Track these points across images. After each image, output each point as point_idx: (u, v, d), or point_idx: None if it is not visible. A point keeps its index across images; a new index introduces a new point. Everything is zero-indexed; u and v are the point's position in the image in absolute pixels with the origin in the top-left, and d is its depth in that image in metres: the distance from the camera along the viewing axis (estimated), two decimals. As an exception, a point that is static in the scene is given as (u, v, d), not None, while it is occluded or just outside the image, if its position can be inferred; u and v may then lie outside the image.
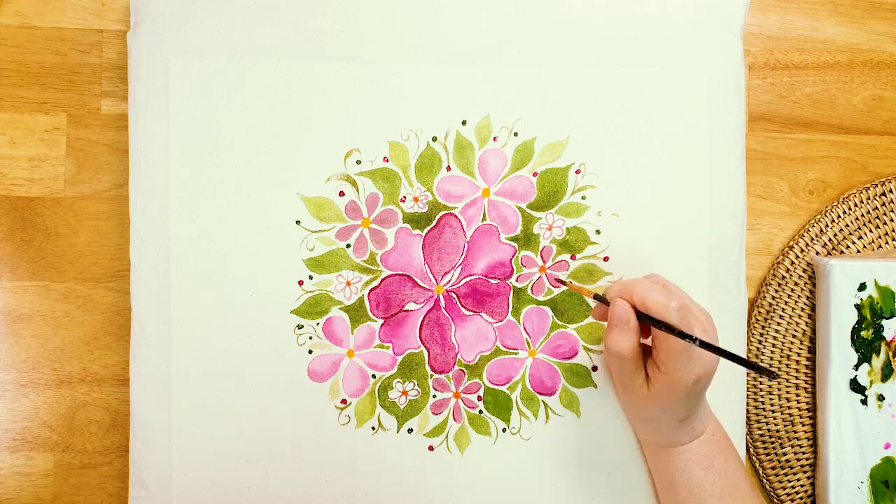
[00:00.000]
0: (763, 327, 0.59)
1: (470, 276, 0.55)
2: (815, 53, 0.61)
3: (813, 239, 0.59)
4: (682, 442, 0.50)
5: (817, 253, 0.59)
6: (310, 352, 0.54)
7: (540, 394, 0.55)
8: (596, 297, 0.49)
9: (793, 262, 0.59)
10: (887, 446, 0.57)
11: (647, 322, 0.46)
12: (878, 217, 0.60)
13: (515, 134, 0.55)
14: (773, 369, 0.39)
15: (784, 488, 0.59)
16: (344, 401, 0.54)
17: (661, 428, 0.50)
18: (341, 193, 0.54)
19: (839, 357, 0.57)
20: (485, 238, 0.55)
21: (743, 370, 0.56)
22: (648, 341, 0.48)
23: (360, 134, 0.54)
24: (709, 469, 0.50)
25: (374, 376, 0.54)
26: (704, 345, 0.44)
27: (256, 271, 0.53)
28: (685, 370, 0.45)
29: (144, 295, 0.53)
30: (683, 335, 0.44)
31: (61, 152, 0.56)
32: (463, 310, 0.55)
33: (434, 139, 0.54)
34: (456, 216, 0.54)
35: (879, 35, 0.61)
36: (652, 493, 0.55)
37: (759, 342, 0.59)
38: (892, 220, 0.60)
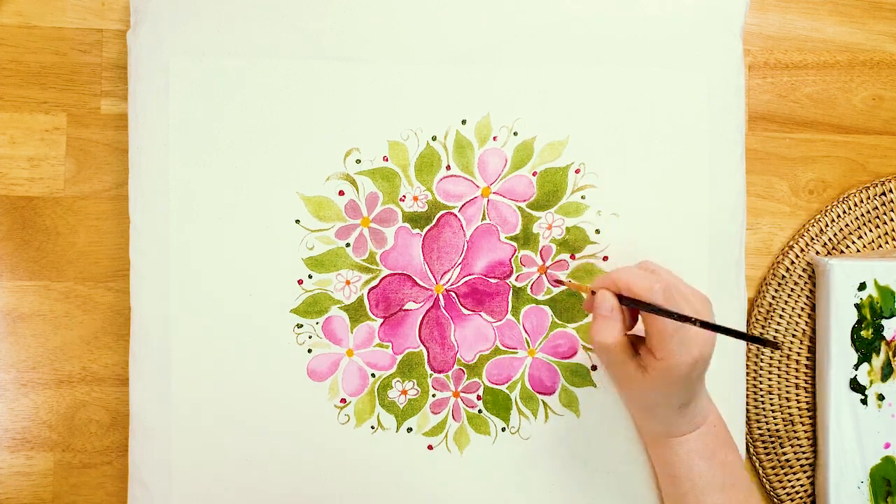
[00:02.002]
0: (763, 327, 0.59)
1: (469, 275, 0.55)
2: (815, 53, 0.61)
3: (813, 238, 0.59)
4: (683, 431, 0.50)
5: (817, 253, 0.59)
6: (309, 351, 0.54)
7: (539, 393, 0.55)
8: (593, 293, 0.49)
9: (793, 262, 0.59)
10: (887, 446, 0.57)
11: (634, 306, 0.45)
12: (878, 217, 0.60)
13: (515, 133, 0.55)
14: (774, 340, 0.39)
15: (784, 488, 0.59)
16: (343, 400, 0.54)
17: (661, 416, 0.49)
18: (341, 193, 0.54)
19: (839, 357, 0.57)
20: (484, 237, 0.55)
21: (742, 368, 0.56)
22: (640, 331, 0.48)
23: (360, 133, 0.54)
24: (711, 460, 0.49)
25: (373, 375, 0.54)
26: (694, 321, 0.43)
27: (256, 270, 0.53)
28: (679, 353, 0.45)
29: (144, 295, 0.53)
30: (671, 314, 0.43)
31: (61, 152, 0.56)
32: (462, 309, 0.55)
33: (434, 138, 0.54)
34: (455, 215, 0.54)
35: (879, 35, 0.61)
36: (651, 492, 0.55)
37: (759, 342, 0.59)
38: (892, 220, 0.60)
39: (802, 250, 0.59)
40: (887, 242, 0.60)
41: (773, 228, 0.60)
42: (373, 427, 0.54)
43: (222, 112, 0.53)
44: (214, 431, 0.53)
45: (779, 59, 0.61)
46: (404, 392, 0.54)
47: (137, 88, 0.53)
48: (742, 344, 0.56)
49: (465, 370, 0.55)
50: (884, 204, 0.60)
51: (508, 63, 0.55)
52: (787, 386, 0.59)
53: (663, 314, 0.44)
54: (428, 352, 0.55)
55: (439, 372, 0.55)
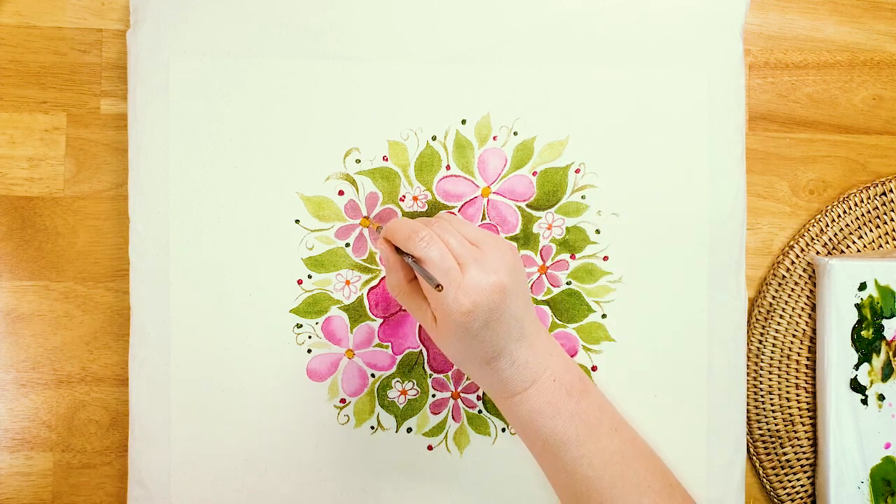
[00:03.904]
0: (763, 327, 0.59)
1: (469, 275, 0.55)
2: (815, 53, 0.61)
3: (813, 238, 0.59)
4: (516, 390, 0.46)
5: (817, 252, 0.59)
6: (309, 351, 0.54)
7: (539, 393, 0.55)
8: (378, 228, 0.48)
9: (793, 262, 0.59)
10: (887, 446, 0.57)
11: (403, 255, 0.44)
12: (878, 217, 0.60)
13: (515, 133, 0.55)
14: (438, 282, 0.41)
15: (784, 488, 0.59)
16: (343, 400, 0.54)
17: (475, 373, 0.46)
18: (341, 192, 0.54)
19: (839, 357, 0.57)
20: (484, 237, 0.54)
21: (742, 368, 0.56)
22: None
23: (360, 133, 0.54)
24: (556, 417, 0.45)
25: (373, 376, 0.54)
26: (410, 258, 0.43)
27: (256, 270, 0.53)
28: (450, 302, 0.42)
29: (144, 295, 0.53)
30: (419, 268, 0.42)
31: (61, 152, 0.56)
32: (462, 309, 0.55)
33: (434, 138, 0.54)
34: (455, 215, 0.54)
35: (879, 35, 0.61)
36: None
37: (759, 342, 0.59)
38: (892, 220, 0.60)
39: (803, 250, 0.59)
40: (888, 242, 0.60)
41: (773, 228, 0.60)
42: (373, 427, 0.54)
43: (222, 111, 0.53)
44: (214, 431, 0.53)
45: (779, 59, 0.61)
46: (404, 392, 0.54)
47: (137, 88, 0.53)
48: (742, 344, 0.56)
49: (464, 370, 0.55)
50: (884, 204, 0.60)
51: (508, 63, 0.55)
52: (787, 386, 0.59)
53: (416, 268, 0.42)
54: (427, 352, 0.55)
55: (439, 372, 0.55)
